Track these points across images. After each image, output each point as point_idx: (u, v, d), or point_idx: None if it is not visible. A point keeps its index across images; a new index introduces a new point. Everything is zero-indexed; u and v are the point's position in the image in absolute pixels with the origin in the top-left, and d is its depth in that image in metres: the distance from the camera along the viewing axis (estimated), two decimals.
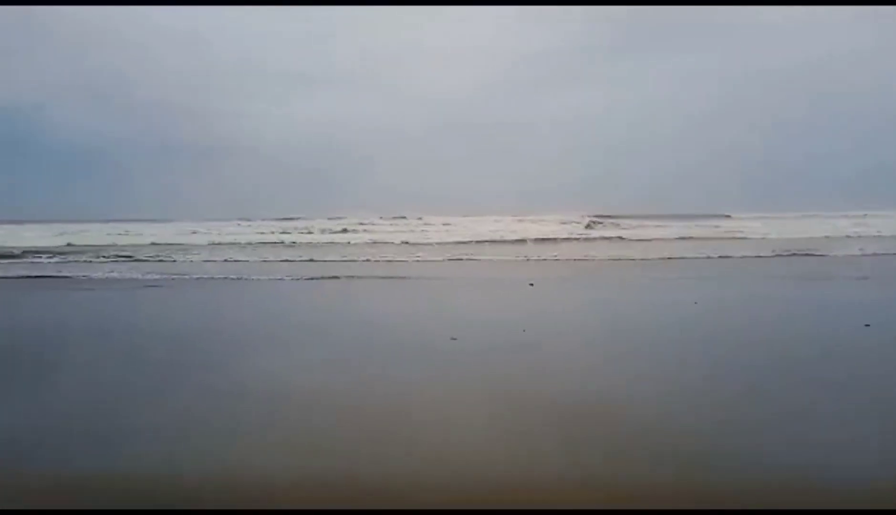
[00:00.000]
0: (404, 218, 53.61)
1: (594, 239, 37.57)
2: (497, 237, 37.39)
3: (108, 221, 56.34)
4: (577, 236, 38.85)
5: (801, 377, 7.15)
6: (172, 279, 18.70)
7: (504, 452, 5.05)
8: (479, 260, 24.57)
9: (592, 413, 5.94)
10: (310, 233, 43.02)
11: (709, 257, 23.83)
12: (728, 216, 57.90)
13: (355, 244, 34.79)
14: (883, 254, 24.18)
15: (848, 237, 34.73)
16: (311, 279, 18.32)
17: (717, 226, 43.99)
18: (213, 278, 18.80)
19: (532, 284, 15.67)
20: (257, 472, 4.71)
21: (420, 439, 5.34)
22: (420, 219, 52.33)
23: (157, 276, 19.42)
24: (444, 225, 46.17)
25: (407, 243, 34.62)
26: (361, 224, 47.60)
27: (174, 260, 25.41)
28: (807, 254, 24.26)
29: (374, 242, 35.62)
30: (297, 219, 55.12)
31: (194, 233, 42.08)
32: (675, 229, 41.22)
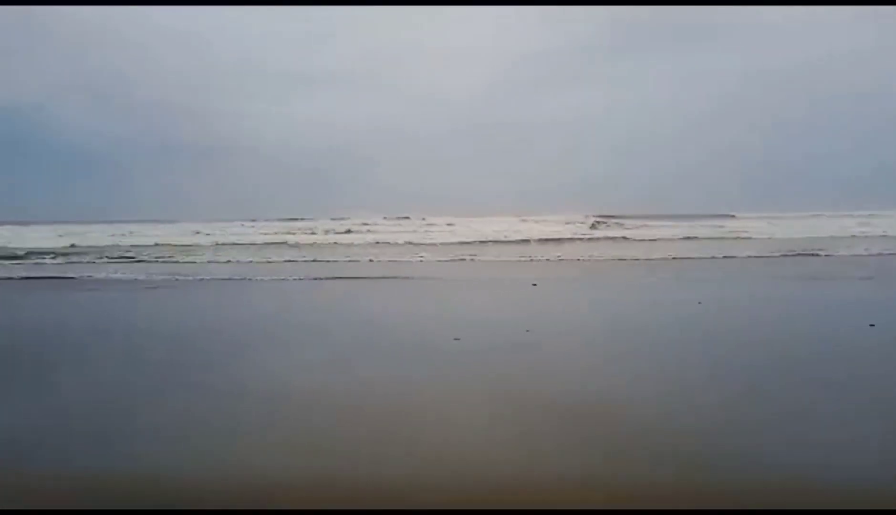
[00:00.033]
0: (408, 218, 53.63)
1: (598, 239, 37.47)
2: (501, 237, 37.35)
3: (111, 222, 56.45)
4: (582, 236, 38.76)
5: (804, 377, 7.11)
6: (176, 280, 18.72)
7: (506, 452, 5.03)
8: (483, 260, 24.55)
9: (596, 413, 5.92)
10: (313, 233, 43.08)
11: (713, 257, 23.77)
12: (732, 216, 57.79)
13: (359, 244, 34.79)
14: (889, 254, 24.09)
15: (853, 237, 34.61)
16: (315, 279, 18.33)
17: (721, 226, 43.89)
18: (216, 279, 18.82)
19: (535, 284, 15.64)
20: (259, 473, 4.70)
21: (422, 439, 5.33)
22: (423, 219, 52.33)
23: (161, 277, 19.45)
24: (447, 225, 46.16)
25: (410, 243, 34.60)
26: (365, 224, 47.70)
27: (178, 261, 25.45)
28: (812, 254, 24.18)
29: (378, 243, 35.61)
30: (301, 219, 55.23)
31: (197, 233, 42.15)
32: (679, 229, 41.12)
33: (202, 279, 18.85)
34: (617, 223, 47.09)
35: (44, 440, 5.50)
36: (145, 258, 26.93)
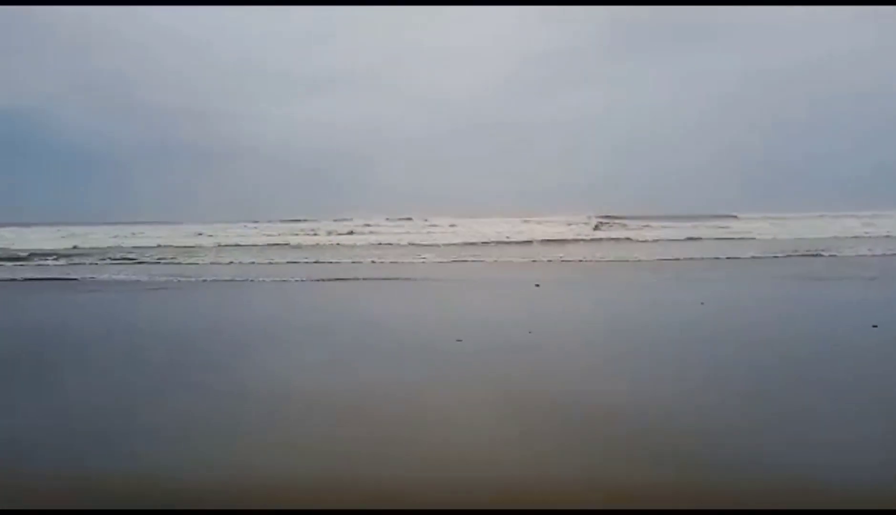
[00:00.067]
0: (410, 219, 53.59)
1: (601, 240, 37.39)
2: (503, 238, 37.31)
3: (113, 224, 56.52)
4: (585, 237, 38.67)
5: (807, 378, 7.09)
6: (179, 281, 18.71)
7: (508, 453, 5.01)
8: (486, 261, 24.51)
9: (598, 414, 5.89)
10: (316, 234, 43.08)
11: (717, 258, 23.70)
12: (735, 216, 57.68)
13: (361, 246, 34.76)
14: (892, 255, 24.00)
15: (856, 237, 34.51)
16: (318, 281, 18.30)
17: (726, 227, 43.77)
18: (219, 280, 18.81)
19: (538, 285, 15.60)
20: (261, 473, 4.67)
21: (425, 439, 5.30)
22: (426, 220, 52.27)
23: (163, 278, 19.44)
24: (450, 226, 46.12)
25: (413, 244, 34.56)
26: (367, 225, 47.67)
27: (180, 263, 25.44)
28: (815, 255, 24.11)
29: (380, 244, 35.58)
30: (304, 221, 55.23)
31: (199, 234, 42.15)
32: (682, 230, 41.02)
33: (204, 280, 18.84)
34: (620, 224, 47.01)
35: (45, 440, 5.48)
36: (147, 259, 26.93)
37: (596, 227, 45.03)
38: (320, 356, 8.64)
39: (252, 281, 18.43)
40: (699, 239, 36.08)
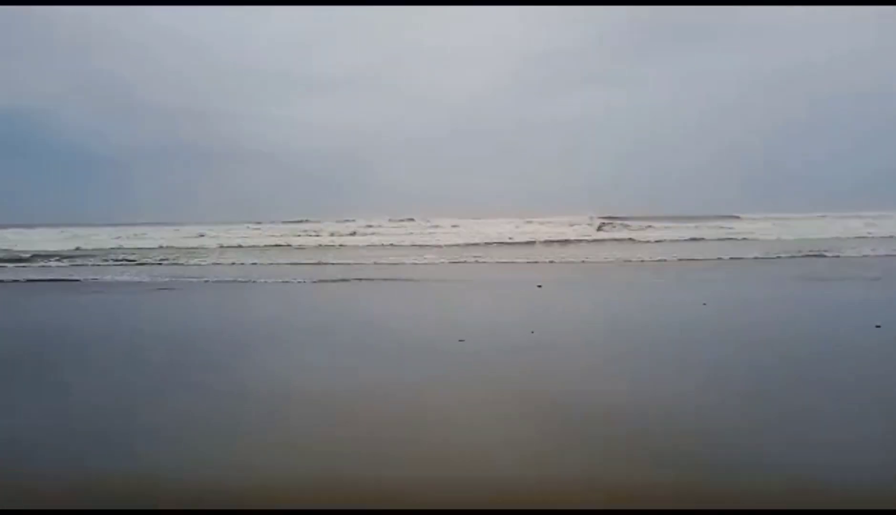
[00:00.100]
0: (412, 220, 53.52)
1: (604, 240, 37.32)
2: (506, 239, 37.28)
3: (116, 225, 56.57)
4: (587, 238, 38.61)
5: (811, 378, 7.06)
6: (182, 282, 18.71)
7: (511, 453, 4.99)
8: (488, 262, 24.47)
9: (600, 414, 5.86)
10: (318, 235, 43.06)
11: (720, 259, 23.65)
12: (738, 217, 57.57)
13: (364, 246, 34.74)
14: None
15: (860, 238, 34.43)
16: (321, 282, 18.28)
17: (730, 228, 43.62)
18: (222, 281, 18.80)
19: (540, 286, 15.57)
20: (262, 473, 4.65)
21: (427, 440, 5.28)
22: (428, 221, 52.21)
23: (166, 279, 19.44)
24: (452, 226, 46.05)
25: (415, 245, 34.53)
26: (370, 226, 47.63)
27: (183, 264, 25.45)
28: (818, 256, 24.04)
29: (383, 244, 35.56)
30: (307, 221, 55.20)
31: (202, 236, 42.13)
32: (685, 231, 40.94)
33: (207, 281, 18.83)
34: (622, 224, 46.91)
35: (46, 440, 5.47)
36: (150, 261, 26.94)
37: (599, 228, 44.93)
38: (323, 356, 8.62)
39: (255, 282, 18.41)
40: (702, 239, 36.01)
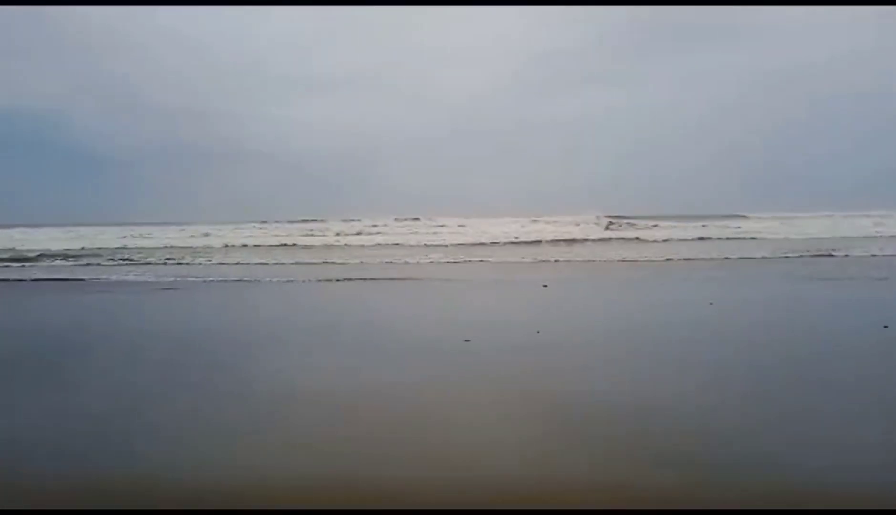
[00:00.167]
0: (418, 219, 53.47)
1: (610, 240, 37.21)
2: (512, 238, 37.21)
3: (121, 224, 56.68)
4: (594, 237, 38.49)
5: (818, 378, 6.99)
6: (187, 282, 18.72)
7: (515, 453, 4.94)
8: (494, 261, 24.41)
9: (605, 414, 5.81)
10: (324, 235, 43.08)
11: (727, 258, 23.54)
12: (745, 216, 57.34)
13: (369, 246, 34.73)
14: None
15: (868, 237, 34.23)
16: (326, 281, 18.26)
17: (737, 227, 43.45)
18: (227, 281, 18.80)
19: (546, 286, 15.50)
20: (262, 473, 4.61)
21: (431, 439, 5.24)
22: (434, 220, 52.16)
23: (171, 279, 19.45)
24: (458, 226, 45.96)
25: (421, 245, 34.49)
26: (375, 225, 47.60)
27: (188, 264, 25.48)
28: (826, 255, 23.89)
29: (389, 244, 35.53)
30: (312, 221, 55.21)
31: (207, 235, 42.18)
32: (692, 230, 40.82)
33: (212, 281, 18.83)
34: (629, 223, 46.75)
35: (46, 440, 5.45)
36: (155, 260, 26.97)
37: (607, 227, 44.77)
38: (328, 356, 8.58)
39: (260, 281, 18.40)
40: (709, 239, 35.88)
